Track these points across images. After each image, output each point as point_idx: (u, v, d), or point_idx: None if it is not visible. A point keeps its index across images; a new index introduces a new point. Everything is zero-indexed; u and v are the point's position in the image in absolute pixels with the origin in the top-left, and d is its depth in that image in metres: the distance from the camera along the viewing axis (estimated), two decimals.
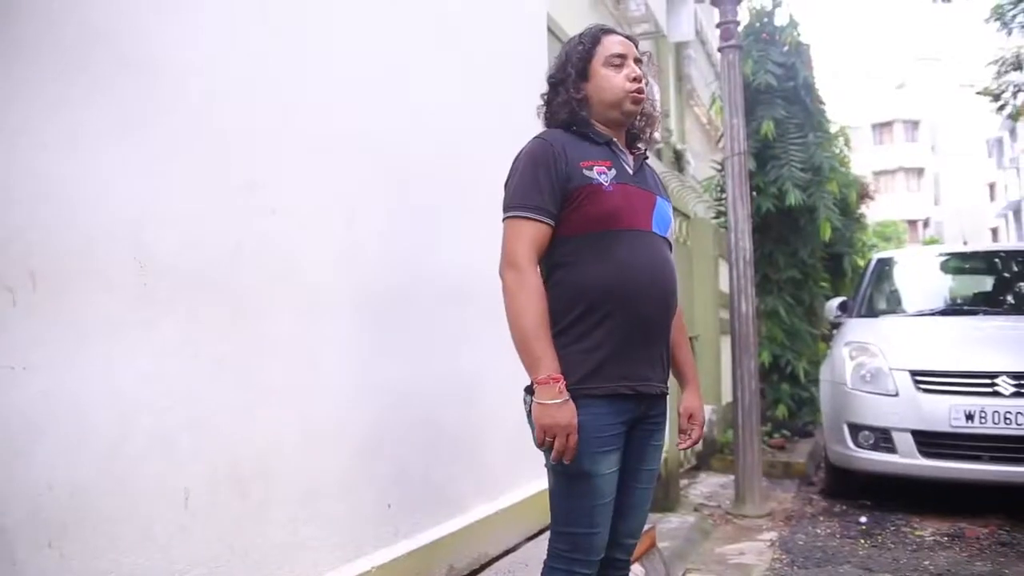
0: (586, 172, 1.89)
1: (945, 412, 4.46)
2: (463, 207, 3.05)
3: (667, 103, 9.58)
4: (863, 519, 4.59)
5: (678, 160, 9.73)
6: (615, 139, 2.00)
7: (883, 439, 4.67)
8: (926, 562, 3.73)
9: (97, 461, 1.64)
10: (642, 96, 2.00)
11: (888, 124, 44.03)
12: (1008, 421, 4.31)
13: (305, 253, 2.25)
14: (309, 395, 2.24)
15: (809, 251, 7.35)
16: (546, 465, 1.91)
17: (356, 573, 2.34)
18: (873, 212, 13.42)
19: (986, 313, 5.57)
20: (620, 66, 1.98)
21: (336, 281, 2.37)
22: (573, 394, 1.81)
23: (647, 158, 2.12)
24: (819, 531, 4.39)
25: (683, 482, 5.27)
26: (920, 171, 43.90)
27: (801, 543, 4.14)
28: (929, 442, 4.51)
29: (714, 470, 5.92)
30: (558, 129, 2.00)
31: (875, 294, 6.00)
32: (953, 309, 5.71)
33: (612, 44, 1.99)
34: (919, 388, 4.61)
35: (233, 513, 1.98)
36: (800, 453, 6.35)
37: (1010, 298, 5.97)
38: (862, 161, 21.43)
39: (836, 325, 5.98)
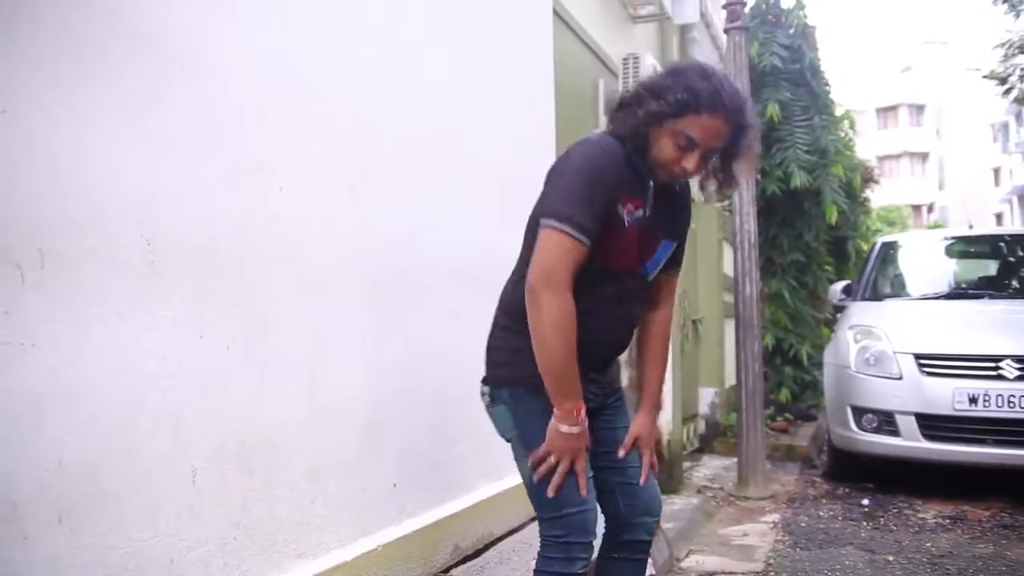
0: (619, 208, 1.83)
1: (949, 395, 4.46)
2: (466, 186, 3.04)
3: None
4: (866, 501, 4.61)
5: None
6: (652, 181, 1.91)
7: (886, 422, 4.68)
8: (928, 544, 3.75)
9: (105, 438, 1.65)
10: (683, 177, 1.91)
11: (893, 108, 43.80)
12: (1012, 404, 4.32)
13: (311, 232, 2.25)
14: (315, 374, 2.25)
15: (814, 234, 7.34)
16: (517, 458, 1.92)
17: (362, 551, 2.35)
18: (877, 197, 13.36)
19: (991, 297, 5.57)
20: (685, 148, 1.82)
21: (341, 260, 2.37)
22: (531, 384, 1.83)
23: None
24: (822, 513, 4.41)
25: (686, 464, 5.28)
26: (925, 156, 43.72)
27: (804, 525, 4.15)
28: (932, 425, 4.52)
29: (717, 453, 5.94)
30: (616, 141, 1.87)
31: (879, 277, 5.99)
32: (958, 293, 5.70)
33: (695, 126, 1.79)
34: (923, 371, 4.61)
35: (240, 491, 1.99)
36: (803, 436, 6.37)
37: (1015, 282, 5.96)
38: (866, 145, 21.36)
39: (840, 308, 5.97)
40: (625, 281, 1.90)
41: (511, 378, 1.93)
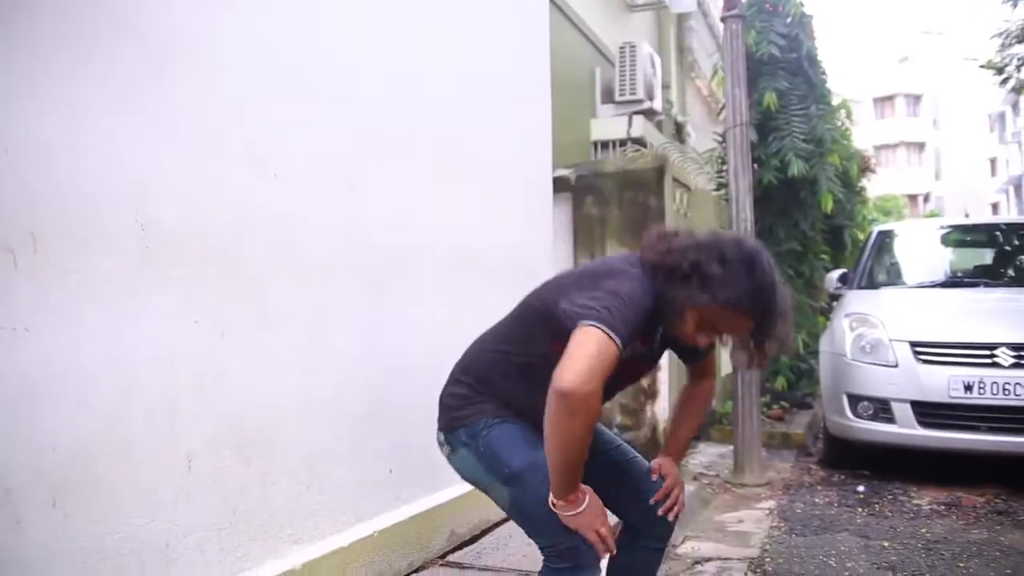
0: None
1: (944, 383, 4.47)
2: (462, 177, 3.04)
3: (668, 75, 9.51)
4: (861, 488, 4.62)
5: (679, 132, 9.69)
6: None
7: (882, 409, 4.68)
8: (923, 530, 3.76)
9: (100, 424, 1.65)
10: (689, 343, 1.93)
11: (890, 98, 43.77)
12: (1007, 392, 4.32)
13: (306, 220, 2.24)
14: (310, 361, 2.25)
15: (810, 223, 7.32)
16: (495, 494, 1.90)
17: (359, 537, 2.36)
18: (874, 186, 13.35)
19: (987, 285, 5.56)
20: (708, 331, 1.86)
21: (337, 249, 2.36)
22: (487, 415, 1.86)
23: None
24: (817, 500, 4.42)
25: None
26: (921, 146, 43.72)
27: (799, 511, 4.16)
28: (928, 412, 4.52)
29: (713, 440, 5.94)
30: (650, 282, 1.84)
31: (876, 266, 5.98)
32: (953, 281, 5.70)
33: (723, 319, 1.83)
34: (919, 359, 4.61)
35: (236, 477, 1.99)
36: (799, 424, 6.38)
37: (1010, 270, 5.96)
38: (863, 135, 21.31)
39: (836, 297, 5.97)
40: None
41: (465, 419, 1.92)
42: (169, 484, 1.81)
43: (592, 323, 1.69)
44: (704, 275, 1.80)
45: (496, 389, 1.93)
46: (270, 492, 2.10)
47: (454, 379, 2.01)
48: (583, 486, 1.80)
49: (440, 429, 1.99)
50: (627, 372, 1.94)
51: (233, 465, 1.98)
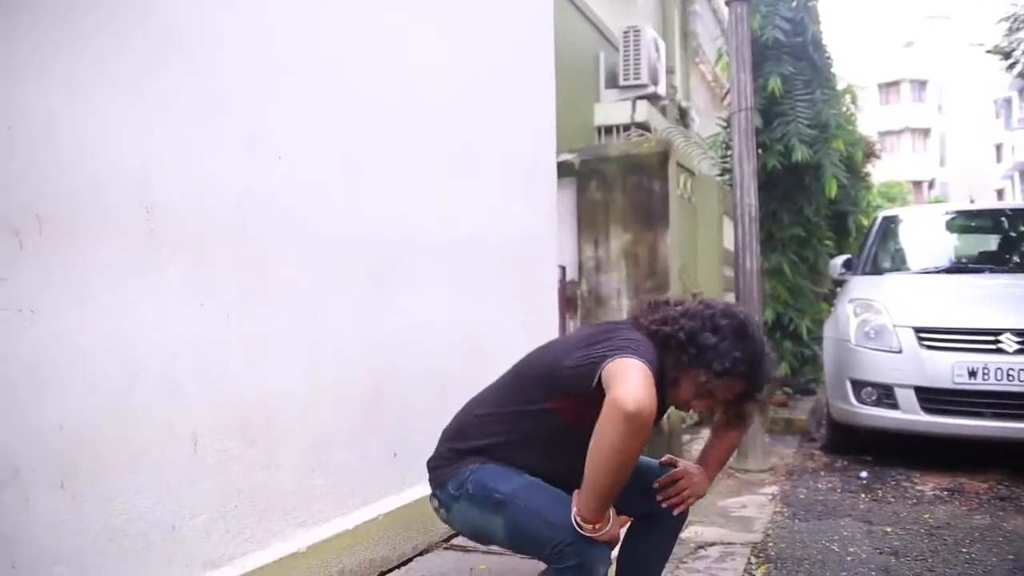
0: None
1: (948, 369, 4.46)
2: (465, 162, 3.03)
3: (672, 60, 9.47)
4: (864, 474, 4.63)
5: (683, 117, 9.65)
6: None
7: (886, 395, 4.68)
8: (926, 515, 3.77)
9: (106, 405, 1.65)
10: (685, 409, 2.02)
11: (895, 84, 43.53)
12: (1011, 378, 4.32)
13: (309, 204, 2.24)
14: (314, 345, 2.25)
15: (814, 209, 7.31)
16: (496, 515, 1.89)
17: (363, 520, 2.37)
18: (878, 173, 13.32)
19: (992, 271, 5.55)
20: (704, 397, 1.93)
21: (339, 233, 2.36)
22: (474, 463, 1.92)
23: None
24: (820, 485, 4.43)
25: (685, 438, 5.30)
26: (926, 132, 43.52)
27: (802, 497, 4.17)
28: (932, 398, 4.52)
29: None
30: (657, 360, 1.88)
31: (880, 252, 5.97)
32: (958, 267, 5.68)
33: (720, 386, 1.90)
34: (923, 345, 4.61)
35: (241, 460, 2.00)
36: (802, 410, 6.38)
37: (1016, 256, 5.95)
38: (868, 121, 21.24)
39: (840, 283, 5.96)
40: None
41: (452, 471, 1.97)
42: (175, 466, 1.81)
43: (626, 356, 1.74)
44: (700, 345, 1.88)
45: (482, 447, 1.97)
46: (275, 475, 2.10)
47: (441, 444, 2.07)
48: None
49: (432, 495, 2.05)
50: None
51: (238, 448, 1.99)
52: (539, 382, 1.94)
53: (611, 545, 1.83)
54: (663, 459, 2.13)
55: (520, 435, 1.94)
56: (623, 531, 1.88)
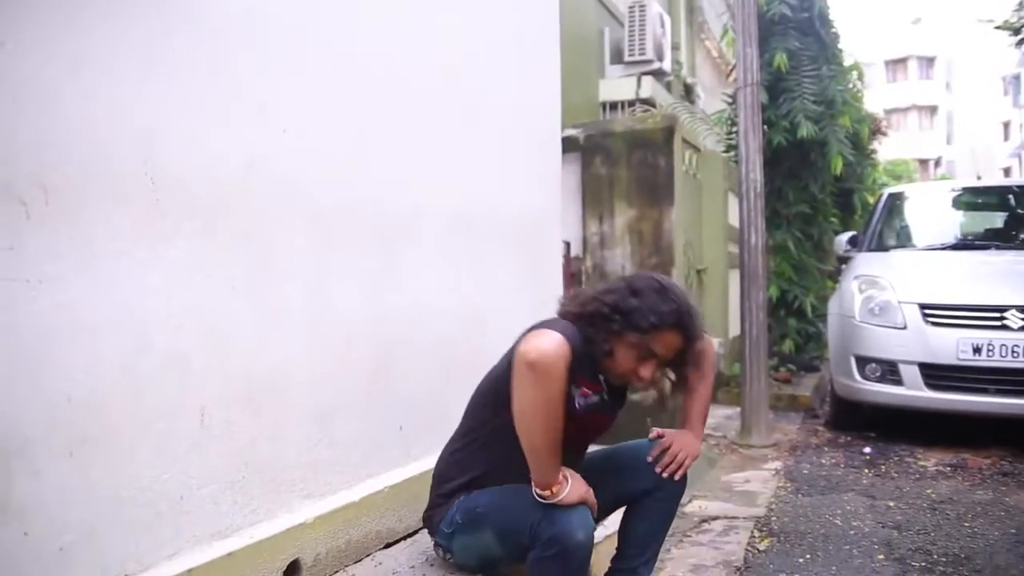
0: (572, 388, 1.91)
1: (953, 345, 4.47)
2: (470, 134, 3.02)
3: (678, 36, 9.40)
4: (867, 450, 4.65)
5: (688, 94, 9.60)
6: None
7: (890, 371, 4.69)
8: (928, 490, 3.79)
9: (113, 376, 1.66)
10: (634, 383, 2.05)
11: (902, 61, 43.17)
12: (1016, 354, 4.33)
13: (314, 175, 2.23)
14: (320, 316, 2.25)
15: (820, 186, 7.28)
16: (484, 530, 1.97)
17: (369, 492, 2.38)
18: (884, 150, 13.24)
19: (998, 248, 5.53)
20: (644, 359, 1.97)
21: (344, 205, 2.35)
22: (458, 496, 2.05)
23: None
24: (824, 461, 4.45)
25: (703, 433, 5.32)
26: (933, 109, 43.22)
27: (806, 472, 4.20)
28: (936, 375, 4.53)
29: (719, 402, 5.97)
30: (579, 335, 1.93)
31: (885, 228, 5.96)
32: (964, 244, 5.67)
33: (658, 342, 1.96)
34: (927, 321, 4.61)
35: (248, 431, 2.01)
36: (806, 386, 6.40)
37: (1022, 233, 5.92)
38: (875, 98, 21.06)
39: (845, 260, 5.96)
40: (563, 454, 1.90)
41: (443, 513, 2.07)
42: (182, 437, 1.82)
43: (537, 329, 1.84)
44: (625, 310, 1.95)
45: (464, 484, 2.06)
46: (281, 447, 2.11)
47: (430, 493, 2.17)
48: (565, 469, 1.86)
49: (434, 545, 2.16)
50: (591, 426, 2.07)
51: (245, 419, 2.00)
52: (489, 400, 2.03)
53: (588, 508, 1.85)
54: (650, 435, 2.15)
55: (493, 461, 2.00)
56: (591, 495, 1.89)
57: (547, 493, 1.81)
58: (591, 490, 1.88)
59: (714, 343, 2.42)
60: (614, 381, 2.04)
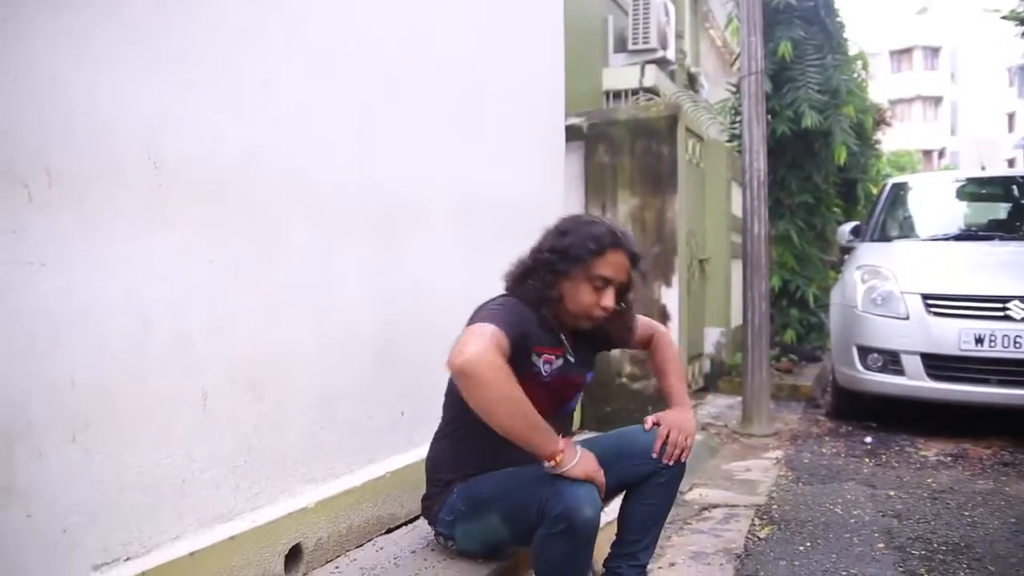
0: (533, 358, 1.96)
1: (955, 335, 4.46)
2: (474, 123, 3.01)
3: (682, 24, 9.35)
4: (868, 439, 4.65)
5: (692, 83, 9.56)
6: (564, 336, 2.09)
7: (892, 361, 4.69)
8: (929, 480, 3.79)
9: (117, 360, 1.67)
10: (601, 319, 2.05)
11: (907, 51, 42.96)
12: (1018, 345, 4.32)
13: (317, 162, 2.23)
14: (323, 302, 2.26)
15: (823, 176, 7.26)
16: (489, 514, 1.98)
17: (371, 478, 2.40)
18: (888, 141, 13.19)
19: (1001, 239, 5.51)
20: (600, 288, 2.00)
21: (347, 191, 2.36)
22: (456, 487, 2.07)
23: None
24: (824, 450, 4.45)
25: (691, 403, 5.32)
26: (938, 100, 43.05)
27: (807, 461, 4.20)
28: (937, 365, 4.53)
29: (722, 392, 5.98)
30: (519, 301, 1.99)
31: (889, 219, 5.94)
32: (967, 234, 5.65)
33: (606, 266, 1.99)
34: (930, 311, 4.60)
35: (250, 416, 2.01)
36: (807, 377, 6.40)
37: None
38: (879, 89, 20.98)
39: (848, 250, 5.94)
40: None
41: (441, 502, 2.10)
42: (185, 421, 1.83)
43: (466, 327, 1.85)
44: (560, 249, 1.99)
45: (457, 467, 2.09)
46: (284, 431, 2.12)
47: (426, 478, 2.20)
48: (575, 445, 1.88)
49: (435, 534, 2.19)
50: (565, 389, 2.11)
51: (247, 404, 2.00)
52: (455, 391, 2.01)
53: (596, 487, 1.85)
54: (646, 426, 2.15)
55: (481, 445, 1.97)
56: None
57: (552, 463, 1.80)
58: (601, 470, 1.87)
59: (669, 330, 2.58)
60: (584, 326, 2.06)
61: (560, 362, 2.04)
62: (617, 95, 7.24)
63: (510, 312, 1.90)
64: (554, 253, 1.99)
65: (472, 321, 1.90)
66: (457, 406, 2.05)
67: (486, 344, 1.74)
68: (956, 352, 4.46)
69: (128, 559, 1.69)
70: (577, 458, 1.83)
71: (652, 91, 7.15)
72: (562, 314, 2.03)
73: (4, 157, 1.44)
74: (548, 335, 2.02)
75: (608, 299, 2.00)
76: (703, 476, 3.84)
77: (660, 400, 4.19)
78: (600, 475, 1.86)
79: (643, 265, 2.10)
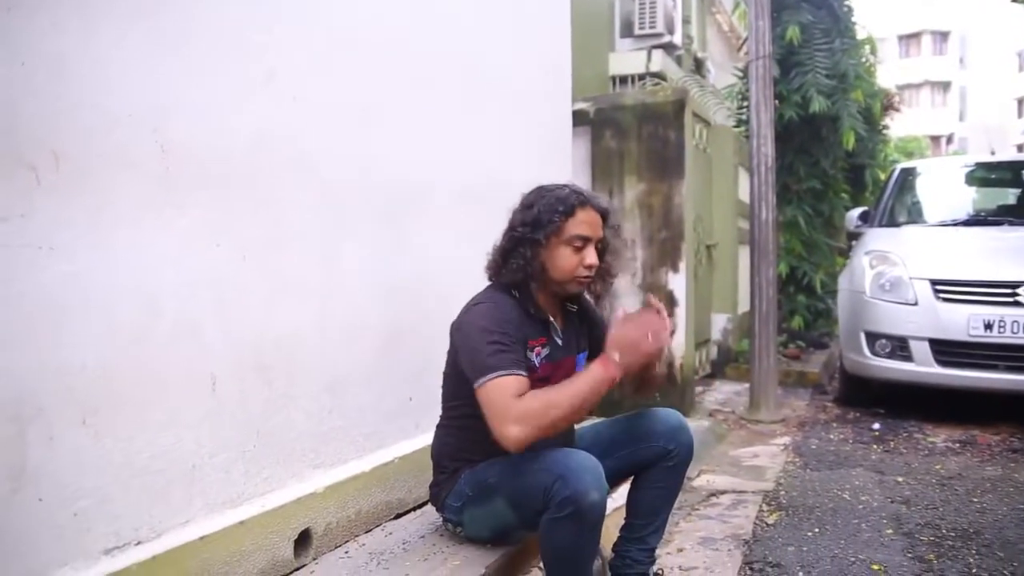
0: (528, 352, 2.00)
1: (964, 321, 4.45)
2: (479, 110, 3.00)
3: (688, 9, 9.29)
4: (876, 426, 4.64)
5: (698, 68, 9.50)
6: (552, 318, 2.10)
7: (900, 347, 4.68)
8: (937, 466, 3.78)
9: (126, 344, 1.66)
10: (589, 280, 2.05)
11: (916, 35, 42.69)
12: None
13: (322, 146, 2.22)
14: (330, 287, 2.25)
15: (831, 161, 7.22)
16: (496, 499, 1.99)
17: (380, 463, 2.40)
18: (896, 127, 13.10)
19: (1011, 224, 5.47)
20: (580, 248, 2.00)
21: (353, 175, 2.35)
22: (462, 472, 2.09)
23: (580, 306, 2.22)
24: (832, 436, 4.45)
25: (698, 389, 5.32)
26: (946, 85, 42.79)
27: (814, 447, 4.19)
28: (946, 351, 4.51)
29: (729, 378, 5.98)
30: (503, 295, 2.02)
31: (897, 204, 5.91)
32: (976, 220, 5.61)
33: (580, 225, 2.00)
34: (938, 297, 4.58)
35: (259, 401, 2.02)
36: (815, 363, 6.39)
37: None
38: (887, 74, 20.87)
39: (856, 235, 5.92)
40: None
41: (451, 487, 2.11)
42: (195, 406, 1.83)
43: (478, 383, 1.86)
44: (532, 220, 2.00)
45: (461, 454, 2.10)
46: (292, 416, 2.12)
47: (433, 465, 2.21)
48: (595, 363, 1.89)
49: (444, 521, 2.20)
50: (559, 371, 2.08)
51: (256, 388, 2.00)
52: (452, 382, 2.10)
53: (602, 471, 1.84)
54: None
55: (485, 438, 1.91)
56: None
57: (613, 374, 1.86)
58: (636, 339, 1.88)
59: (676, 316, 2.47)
60: (574, 290, 2.07)
61: (547, 350, 2.06)
62: (624, 80, 7.20)
63: (500, 323, 1.92)
64: (526, 226, 2.00)
65: (467, 347, 1.93)
66: (455, 396, 2.09)
67: (513, 414, 1.79)
68: (965, 338, 4.44)
69: (139, 543, 1.69)
70: (617, 359, 1.86)
71: (659, 76, 7.11)
72: (550, 285, 2.04)
73: (12, 140, 1.44)
74: (533, 324, 2.04)
75: (591, 256, 2.01)
76: (711, 462, 3.84)
77: (667, 386, 4.19)
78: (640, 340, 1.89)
79: (614, 220, 2.10)
